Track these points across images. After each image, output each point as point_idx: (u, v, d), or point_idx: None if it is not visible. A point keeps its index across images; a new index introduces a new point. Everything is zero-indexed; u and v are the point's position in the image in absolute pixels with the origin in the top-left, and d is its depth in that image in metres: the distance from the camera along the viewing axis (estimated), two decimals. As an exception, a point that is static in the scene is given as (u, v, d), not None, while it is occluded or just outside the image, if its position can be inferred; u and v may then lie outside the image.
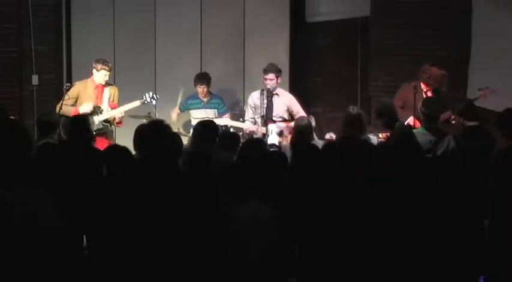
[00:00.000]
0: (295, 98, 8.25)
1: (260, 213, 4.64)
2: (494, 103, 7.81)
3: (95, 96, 8.13)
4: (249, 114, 8.22)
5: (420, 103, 6.74)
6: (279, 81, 8.17)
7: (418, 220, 4.61)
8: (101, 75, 8.10)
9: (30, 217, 3.98)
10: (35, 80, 9.25)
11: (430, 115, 6.57)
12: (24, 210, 3.96)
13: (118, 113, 8.05)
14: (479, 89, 7.75)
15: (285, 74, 9.60)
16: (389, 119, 6.84)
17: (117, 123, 8.14)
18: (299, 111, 8.04)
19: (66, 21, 9.51)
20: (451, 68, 8.82)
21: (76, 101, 8.09)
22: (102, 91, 8.17)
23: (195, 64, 9.55)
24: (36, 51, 9.17)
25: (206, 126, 6.50)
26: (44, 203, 4.04)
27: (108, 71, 8.11)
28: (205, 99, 8.67)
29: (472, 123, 6.49)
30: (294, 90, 9.60)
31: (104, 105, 8.11)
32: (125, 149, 5.24)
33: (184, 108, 8.68)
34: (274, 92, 8.11)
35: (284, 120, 8.09)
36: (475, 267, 4.58)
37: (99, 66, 8.10)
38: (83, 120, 6.57)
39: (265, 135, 7.95)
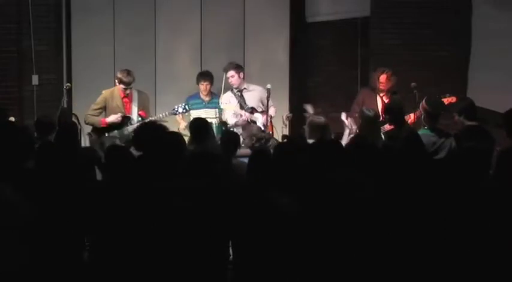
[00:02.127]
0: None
1: (279, 205, 4.63)
2: (495, 103, 7.82)
3: (123, 106, 8.02)
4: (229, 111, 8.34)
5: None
6: (241, 76, 8.37)
7: (421, 223, 4.61)
8: (120, 87, 7.99)
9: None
10: (35, 80, 9.24)
11: (434, 114, 6.54)
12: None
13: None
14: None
15: (285, 74, 9.65)
16: (395, 116, 6.83)
17: None
18: (269, 105, 8.17)
19: (66, 21, 9.50)
20: (451, 68, 8.84)
21: (104, 110, 8.01)
22: (131, 100, 8.08)
23: (195, 64, 9.56)
24: (36, 51, 9.16)
25: (204, 125, 6.57)
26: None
27: (126, 85, 7.91)
28: (206, 99, 8.67)
29: (471, 123, 6.47)
30: (294, 90, 9.63)
31: (134, 115, 8.02)
32: (124, 150, 5.24)
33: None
34: (243, 88, 8.34)
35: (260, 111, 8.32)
36: (475, 268, 4.57)
37: (118, 77, 7.97)
38: (70, 127, 6.54)
39: (253, 122, 8.19)
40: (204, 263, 4.62)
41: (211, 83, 8.66)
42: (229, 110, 8.30)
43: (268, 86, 8.03)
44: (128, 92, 8.00)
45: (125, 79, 7.93)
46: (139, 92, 8.16)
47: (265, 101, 8.16)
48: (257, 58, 9.52)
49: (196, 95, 8.71)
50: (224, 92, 8.50)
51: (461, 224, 4.55)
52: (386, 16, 9.07)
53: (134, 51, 9.46)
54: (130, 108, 8.06)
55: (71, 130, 6.53)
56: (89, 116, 8.05)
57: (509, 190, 4.59)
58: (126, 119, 7.97)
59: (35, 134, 6.78)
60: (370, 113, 6.86)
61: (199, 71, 9.14)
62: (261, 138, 6.49)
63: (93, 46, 9.43)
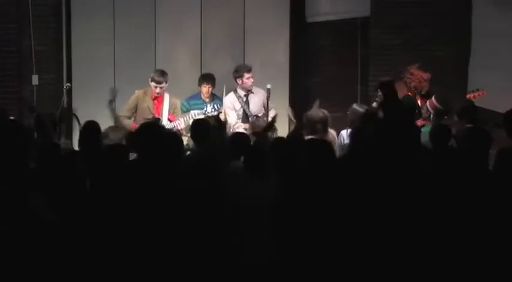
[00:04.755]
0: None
1: (265, 194, 4.70)
2: (495, 103, 7.82)
3: (153, 107, 8.05)
4: (233, 117, 8.32)
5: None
6: (253, 77, 8.44)
7: (417, 221, 4.62)
8: (152, 86, 8.06)
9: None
10: (35, 80, 9.25)
11: (444, 111, 6.50)
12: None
13: (176, 125, 7.93)
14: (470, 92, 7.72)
15: (285, 74, 9.65)
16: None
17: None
18: (269, 107, 8.18)
19: (66, 21, 9.50)
20: (451, 68, 8.84)
21: (136, 111, 8.07)
22: (162, 102, 8.09)
23: (195, 64, 9.56)
24: (36, 51, 9.16)
25: (205, 126, 6.58)
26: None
27: (157, 83, 7.99)
28: (207, 100, 8.68)
29: (469, 126, 6.45)
30: (294, 90, 9.63)
31: (164, 118, 8.04)
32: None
33: (187, 109, 8.66)
34: (252, 90, 8.41)
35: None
36: (472, 267, 4.58)
37: (151, 76, 8.06)
38: (93, 125, 6.48)
39: None
40: (204, 262, 4.63)
41: (214, 85, 8.69)
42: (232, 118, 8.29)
43: (268, 86, 8.03)
44: (158, 92, 8.02)
45: (156, 77, 8.03)
46: (171, 96, 8.19)
47: (265, 103, 8.16)
48: (257, 58, 9.51)
49: (198, 96, 8.72)
50: (226, 93, 8.50)
51: (460, 224, 4.56)
52: (386, 16, 9.07)
53: (134, 51, 9.46)
54: (160, 110, 8.09)
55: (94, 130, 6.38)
56: (122, 118, 8.14)
57: (509, 190, 4.60)
58: (156, 121, 7.90)
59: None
60: (362, 109, 6.87)
61: (199, 71, 9.16)
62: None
63: (93, 46, 9.43)
